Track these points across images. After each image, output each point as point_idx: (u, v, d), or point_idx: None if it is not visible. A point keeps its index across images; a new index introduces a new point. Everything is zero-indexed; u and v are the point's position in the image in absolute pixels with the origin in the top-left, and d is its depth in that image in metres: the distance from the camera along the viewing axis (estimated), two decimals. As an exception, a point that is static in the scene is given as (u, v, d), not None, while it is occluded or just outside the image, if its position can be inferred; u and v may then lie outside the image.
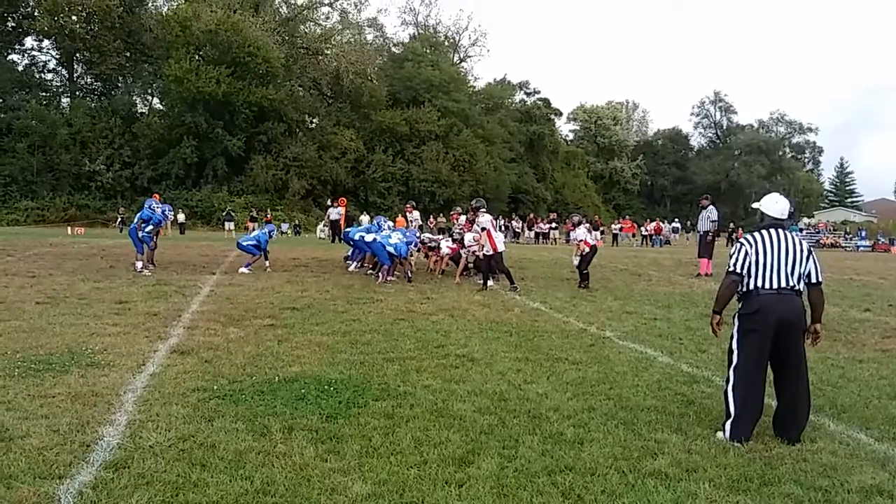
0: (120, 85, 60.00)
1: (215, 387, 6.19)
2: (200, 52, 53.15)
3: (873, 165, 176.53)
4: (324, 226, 41.85)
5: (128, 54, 57.99)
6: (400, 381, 6.59)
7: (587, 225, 16.61)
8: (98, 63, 55.94)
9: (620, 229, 49.49)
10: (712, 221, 19.16)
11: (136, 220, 16.17)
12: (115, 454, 4.54)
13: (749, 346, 5.28)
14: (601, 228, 49.93)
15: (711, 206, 19.28)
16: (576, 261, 15.68)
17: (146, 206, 16.56)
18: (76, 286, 12.94)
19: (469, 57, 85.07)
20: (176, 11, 54.90)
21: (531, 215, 52.57)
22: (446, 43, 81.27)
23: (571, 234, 17.12)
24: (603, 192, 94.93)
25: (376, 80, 61.70)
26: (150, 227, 16.32)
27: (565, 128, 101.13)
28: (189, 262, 18.54)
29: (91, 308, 10.45)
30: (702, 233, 19.57)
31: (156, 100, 61.87)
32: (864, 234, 57.50)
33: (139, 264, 15.69)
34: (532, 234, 47.12)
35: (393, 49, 73.69)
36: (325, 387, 6.25)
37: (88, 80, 60.94)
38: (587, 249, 15.40)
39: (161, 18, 54.99)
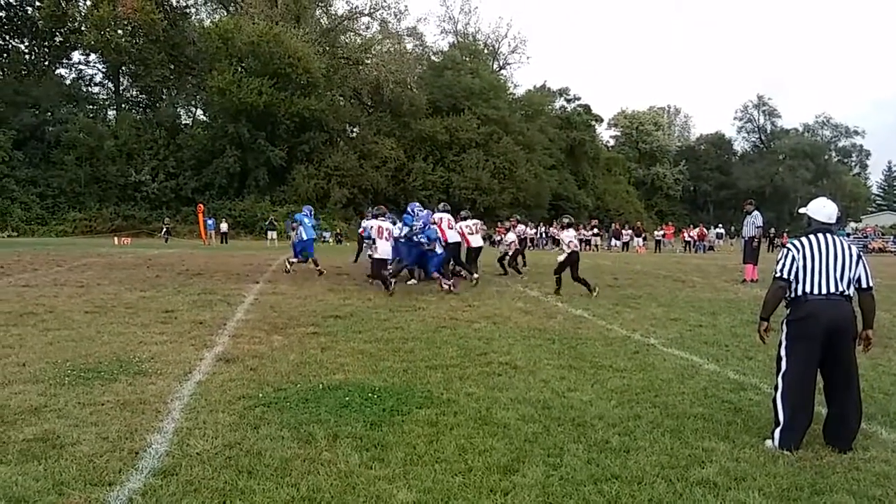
0: (164, 97, 61.15)
1: (260, 394, 6.24)
2: (243, 64, 53.84)
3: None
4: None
5: (172, 67, 59.10)
6: (443, 389, 6.58)
7: (583, 230, 16.47)
8: (143, 76, 57.13)
9: (663, 235, 49.01)
10: (757, 227, 18.90)
11: (313, 232, 17.83)
12: (163, 461, 4.59)
13: (798, 353, 5.19)
14: (643, 234, 49.52)
15: (756, 211, 19.03)
16: (561, 258, 15.18)
17: (306, 212, 18.29)
18: (123, 296, 13.14)
19: (509, 64, 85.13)
20: (218, 24, 55.70)
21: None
22: (486, 51, 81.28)
23: (559, 234, 16.73)
24: (645, 198, 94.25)
25: (416, 89, 61.95)
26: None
27: (606, 134, 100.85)
28: (233, 271, 18.73)
29: (138, 317, 10.60)
30: (747, 238, 19.31)
31: (199, 111, 63.15)
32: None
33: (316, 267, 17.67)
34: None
35: (432, 58, 73.84)
36: (369, 394, 6.27)
37: (134, 92, 62.32)
38: (566, 254, 14.99)
39: (203, 31, 55.80)
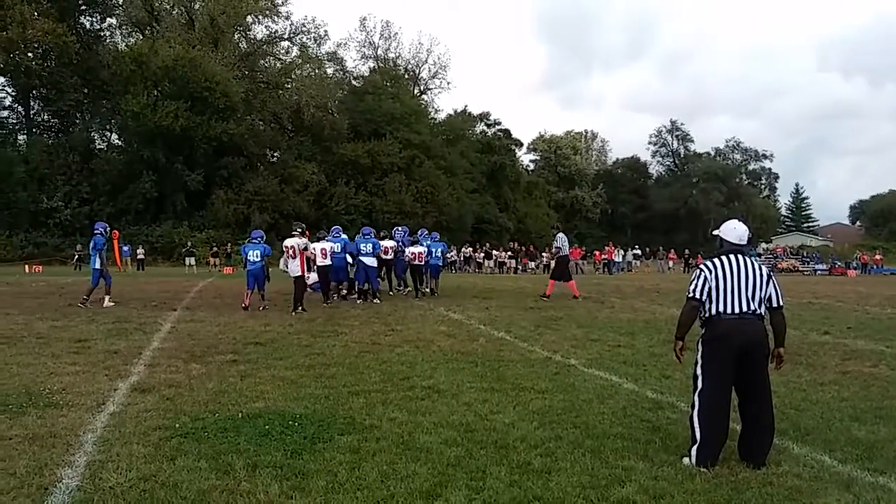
0: (77, 121, 59.45)
1: (177, 425, 6.08)
2: (158, 88, 52.84)
3: (828, 190, 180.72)
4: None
5: (85, 90, 57.53)
6: (365, 415, 6.52)
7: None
8: (55, 100, 55.53)
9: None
10: (557, 247, 20.82)
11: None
12: (73, 497, 4.43)
13: (713, 371, 5.31)
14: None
15: (559, 234, 21.16)
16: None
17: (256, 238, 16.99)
18: (34, 325, 12.71)
19: (429, 89, 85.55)
20: (132, 48, 54.68)
21: (486, 245, 52.54)
22: (406, 76, 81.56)
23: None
24: (565, 220, 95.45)
25: (337, 114, 61.93)
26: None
27: (526, 158, 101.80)
28: (149, 299, 18.30)
29: (49, 347, 10.26)
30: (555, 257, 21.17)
31: (114, 135, 61.48)
32: (820, 257, 58.56)
33: None
34: (493, 263, 47.32)
35: (353, 82, 73.82)
36: (290, 422, 6.17)
37: (45, 116, 60.41)
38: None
39: (118, 55, 54.67)
